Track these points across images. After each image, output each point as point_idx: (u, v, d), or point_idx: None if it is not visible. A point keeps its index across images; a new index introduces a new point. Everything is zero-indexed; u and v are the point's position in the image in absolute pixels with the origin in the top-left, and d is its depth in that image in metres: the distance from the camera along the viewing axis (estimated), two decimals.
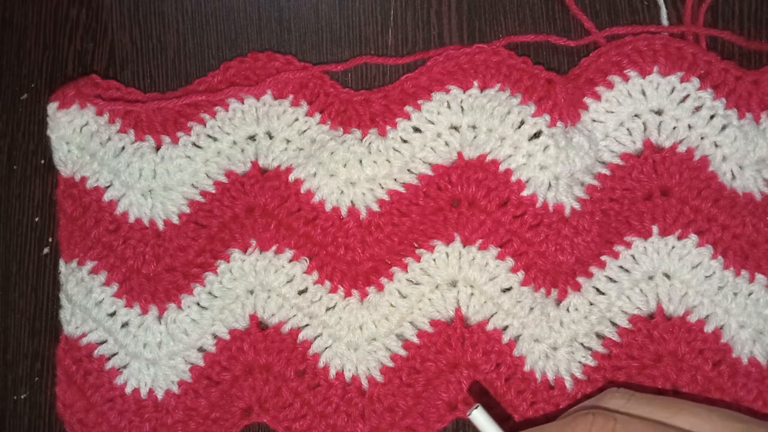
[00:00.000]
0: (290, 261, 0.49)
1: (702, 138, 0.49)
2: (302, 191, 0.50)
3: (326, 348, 0.49)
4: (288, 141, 0.50)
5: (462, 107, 0.50)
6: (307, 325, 0.49)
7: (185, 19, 0.53)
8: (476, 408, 0.43)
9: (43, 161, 0.52)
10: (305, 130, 0.51)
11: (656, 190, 0.49)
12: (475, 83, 0.50)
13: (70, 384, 0.49)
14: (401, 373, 0.48)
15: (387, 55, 0.52)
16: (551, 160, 0.48)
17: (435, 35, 0.52)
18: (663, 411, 0.41)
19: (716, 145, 0.49)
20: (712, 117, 0.49)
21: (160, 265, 0.50)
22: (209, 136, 0.51)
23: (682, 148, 0.49)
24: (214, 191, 0.50)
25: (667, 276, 0.48)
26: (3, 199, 0.52)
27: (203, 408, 0.49)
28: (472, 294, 0.48)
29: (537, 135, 0.49)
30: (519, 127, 0.49)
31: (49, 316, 0.51)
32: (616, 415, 0.41)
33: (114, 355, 0.49)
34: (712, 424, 0.40)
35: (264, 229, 0.49)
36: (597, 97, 0.50)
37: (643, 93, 0.50)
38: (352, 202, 0.50)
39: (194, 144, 0.51)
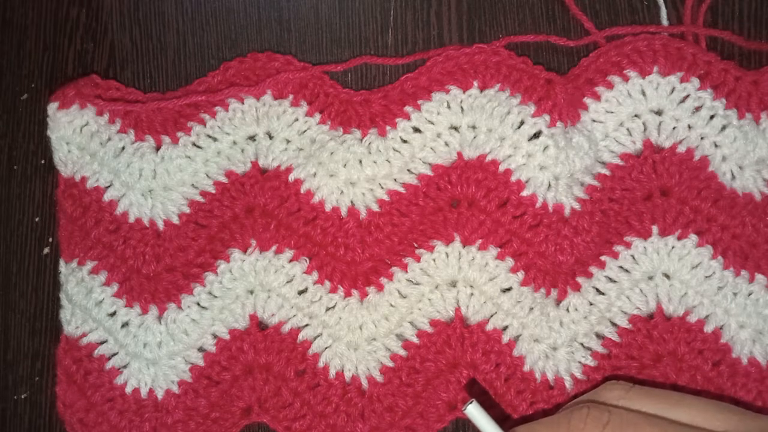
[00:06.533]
0: (290, 261, 0.49)
1: (702, 138, 0.49)
2: (302, 191, 0.50)
3: (326, 348, 0.49)
4: (288, 141, 0.50)
5: (462, 107, 0.50)
6: (307, 325, 0.49)
7: (185, 19, 0.53)
8: (471, 403, 0.43)
9: (43, 161, 0.52)
10: (305, 131, 0.51)
11: (656, 191, 0.49)
12: (475, 83, 0.50)
13: (70, 384, 0.49)
14: (401, 373, 0.48)
15: (387, 55, 0.52)
16: (551, 161, 0.48)
17: (435, 35, 0.52)
18: (660, 403, 0.42)
19: (716, 146, 0.49)
20: (711, 117, 0.49)
21: (160, 265, 0.50)
22: (209, 137, 0.51)
23: (681, 149, 0.49)
24: (214, 191, 0.50)
25: (667, 276, 0.48)
26: (3, 199, 0.52)
27: (203, 408, 0.49)
28: (471, 294, 0.48)
29: (537, 135, 0.49)
30: (519, 127, 0.49)
31: (49, 316, 0.51)
32: (610, 409, 0.41)
33: (114, 354, 0.49)
34: (708, 416, 0.41)
35: (264, 229, 0.49)
36: (597, 98, 0.50)
37: (643, 93, 0.50)
38: (351, 202, 0.50)
39: (194, 144, 0.51)
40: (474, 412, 0.43)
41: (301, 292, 0.49)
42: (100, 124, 0.51)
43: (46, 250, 0.52)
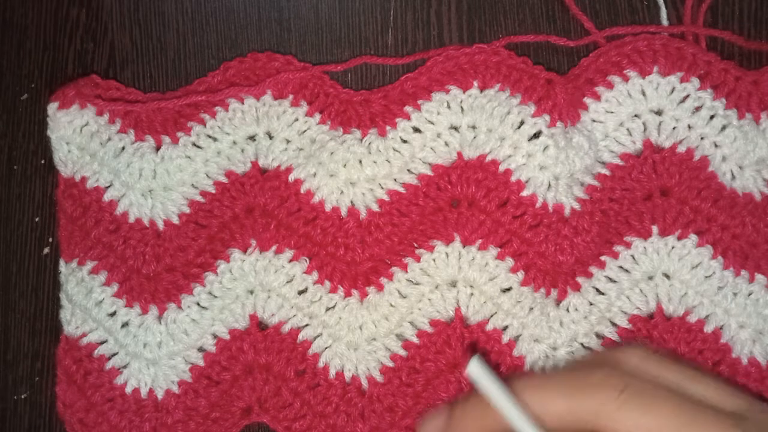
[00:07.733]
0: (290, 261, 0.49)
1: (702, 138, 0.49)
2: (302, 191, 0.50)
3: (326, 348, 0.49)
4: (288, 141, 0.50)
5: (462, 107, 0.50)
6: (307, 325, 0.49)
7: (185, 19, 0.53)
8: (474, 360, 0.37)
9: (43, 161, 0.52)
10: (305, 131, 0.51)
11: (656, 191, 0.49)
12: (475, 83, 0.50)
13: (70, 384, 0.49)
14: (401, 373, 0.48)
15: (387, 55, 0.52)
16: (551, 161, 0.48)
17: (435, 35, 0.52)
18: (677, 375, 0.39)
19: (716, 146, 0.49)
20: (712, 117, 0.49)
21: (160, 265, 0.50)
22: (209, 137, 0.51)
23: (681, 149, 0.49)
24: (214, 191, 0.50)
25: (667, 276, 0.48)
26: (3, 199, 0.52)
27: (203, 408, 0.49)
28: (471, 294, 0.48)
29: (537, 135, 0.49)
30: (519, 127, 0.49)
31: (49, 316, 0.51)
32: (628, 378, 0.38)
33: (114, 355, 0.49)
34: (721, 396, 0.39)
35: (264, 229, 0.49)
36: (597, 98, 0.50)
37: (643, 93, 0.49)
38: (351, 202, 0.50)
39: (194, 144, 0.51)
40: (476, 371, 0.37)
41: (301, 292, 0.49)
42: (100, 124, 0.51)
43: (46, 250, 0.52)
